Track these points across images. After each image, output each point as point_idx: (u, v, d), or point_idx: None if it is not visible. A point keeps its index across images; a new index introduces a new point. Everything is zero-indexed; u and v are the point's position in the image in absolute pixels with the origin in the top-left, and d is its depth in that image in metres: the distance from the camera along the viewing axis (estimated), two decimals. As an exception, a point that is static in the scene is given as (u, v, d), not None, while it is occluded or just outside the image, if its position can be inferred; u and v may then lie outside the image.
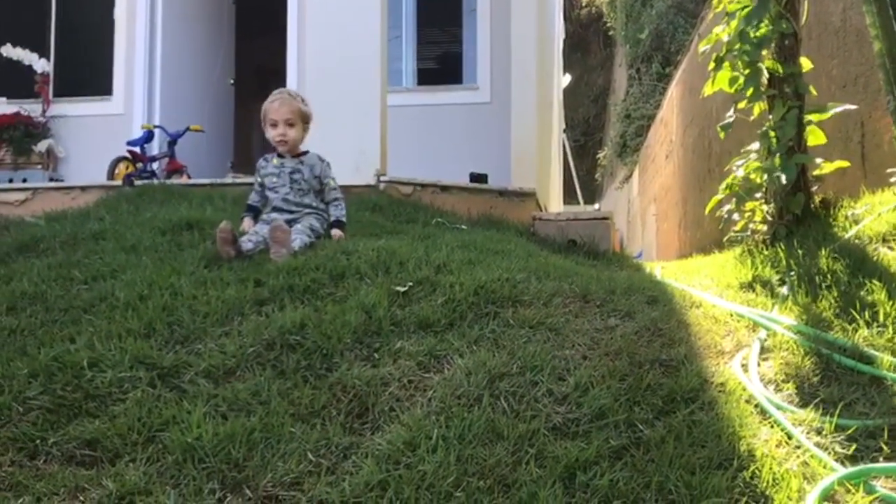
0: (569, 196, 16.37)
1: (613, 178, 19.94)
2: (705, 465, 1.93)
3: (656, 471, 1.93)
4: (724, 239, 5.33)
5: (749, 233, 4.98)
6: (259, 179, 4.21)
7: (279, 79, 8.18)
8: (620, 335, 2.75)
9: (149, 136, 7.89)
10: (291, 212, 4.05)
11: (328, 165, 4.21)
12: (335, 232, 4.04)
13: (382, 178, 6.08)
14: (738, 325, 2.95)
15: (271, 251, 3.57)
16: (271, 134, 4.08)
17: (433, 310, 2.95)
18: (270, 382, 2.52)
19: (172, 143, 7.77)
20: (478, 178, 6.77)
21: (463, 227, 5.32)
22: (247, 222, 4.11)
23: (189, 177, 8.41)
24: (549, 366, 2.48)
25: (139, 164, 7.76)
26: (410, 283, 3.18)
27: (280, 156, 4.15)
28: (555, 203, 10.45)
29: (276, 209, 4.08)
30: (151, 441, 2.28)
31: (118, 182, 7.43)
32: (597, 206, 20.67)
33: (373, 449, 2.19)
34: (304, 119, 4.11)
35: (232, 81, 10.08)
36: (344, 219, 4.15)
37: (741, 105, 4.94)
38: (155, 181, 8.08)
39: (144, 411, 2.38)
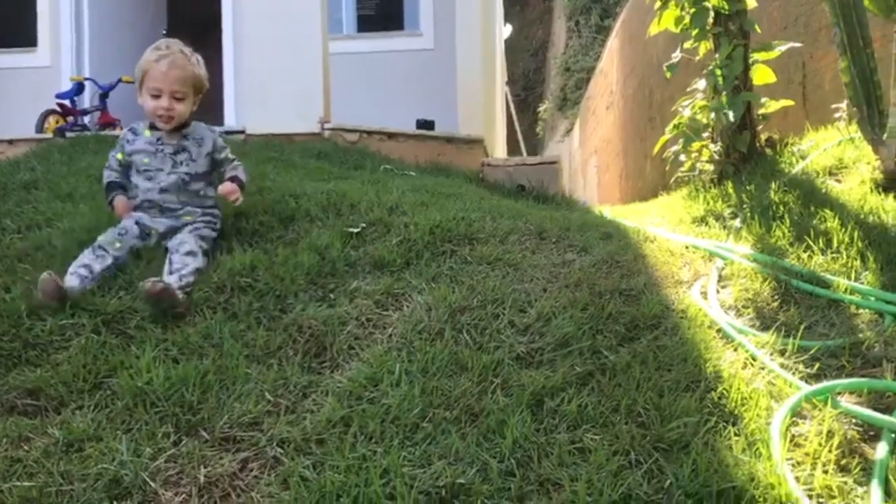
0: (512, 150, 16.34)
1: (554, 132, 19.98)
2: (673, 388, 1.91)
3: (624, 395, 1.90)
4: (672, 180, 5.35)
5: (696, 172, 5.02)
6: (120, 156, 3.02)
7: (215, 28, 7.91)
8: (579, 268, 2.72)
9: (79, 89, 7.56)
10: (171, 210, 2.93)
11: (220, 136, 3.14)
12: (227, 186, 2.97)
13: (327, 126, 5.93)
14: (694, 257, 2.94)
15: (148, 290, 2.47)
16: (151, 105, 2.91)
17: (388, 250, 2.87)
18: (222, 325, 2.42)
19: (104, 95, 7.45)
20: (424, 124, 6.66)
21: (412, 173, 5.24)
22: (122, 204, 2.96)
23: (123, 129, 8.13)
24: (510, 298, 2.44)
25: (70, 118, 7.45)
26: (363, 225, 3.09)
27: (153, 126, 3.01)
28: (500, 153, 10.40)
29: (147, 205, 2.93)
30: (98, 388, 2.17)
31: (49, 135, 7.14)
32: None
33: (333, 387, 2.12)
34: (199, 89, 2.99)
35: (164, 31, 9.72)
36: (244, 178, 3.08)
37: (687, 45, 4.93)
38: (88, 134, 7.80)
39: (90, 358, 2.27)
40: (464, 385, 2.01)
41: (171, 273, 2.64)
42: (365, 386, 2.06)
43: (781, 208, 3.29)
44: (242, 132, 5.89)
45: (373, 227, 3.10)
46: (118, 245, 2.79)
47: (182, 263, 2.69)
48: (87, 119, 7.74)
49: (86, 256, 2.72)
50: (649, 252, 2.96)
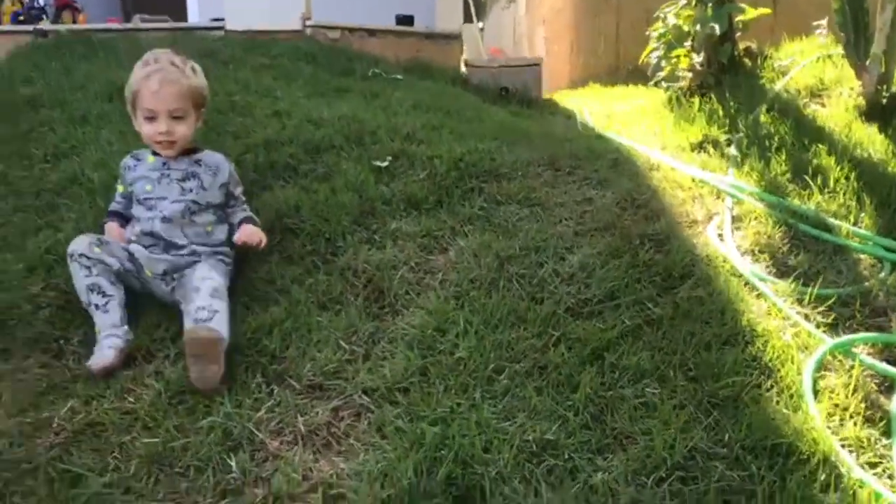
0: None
1: (500, -1, 19.58)
2: (716, 342, 2.17)
3: (673, 349, 2.16)
4: (651, 83, 5.50)
5: (677, 81, 5.19)
6: (121, 188, 2.65)
7: None
8: (602, 207, 2.92)
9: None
10: (176, 247, 2.48)
11: (235, 168, 2.72)
12: (247, 228, 2.56)
13: (308, 23, 5.86)
14: (703, 192, 3.17)
15: (192, 374, 2.11)
16: (147, 131, 2.51)
17: (418, 186, 3.02)
18: (282, 270, 2.58)
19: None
20: (404, 20, 6.61)
21: (398, 76, 5.29)
22: (114, 229, 2.60)
23: (80, 12, 7.83)
24: (549, 245, 2.64)
25: (25, 0, 7.15)
26: (389, 158, 3.22)
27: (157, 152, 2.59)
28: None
29: (147, 240, 2.49)
30: (180, 336, 2.33)
31: (6, 25, 6.87)
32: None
33: (400, 334, 2.32)
34: (199, 102, 2.57)
35: None
36: (257, 220, 2.66)
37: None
38: (46, 20, 7.50)
39: (167, 313, 2.41)
40: (526, 338, 2.24)
41: (196, 321, 2.20)
42: (434, 336, 2.27)
43: (776, 139, 3.52)
44: (222, 28, 5.79)
45: (397, 161, 3.23)
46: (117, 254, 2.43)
47: (209, 308, 2.23)
48: (42, 1, 7.43)
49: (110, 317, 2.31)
50: (662, 187, 3.17)
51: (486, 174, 3.13)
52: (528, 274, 2.51)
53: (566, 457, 1.85)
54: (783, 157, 3.33)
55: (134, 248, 2.48)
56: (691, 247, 2.65)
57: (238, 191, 2.66)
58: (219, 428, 1.99)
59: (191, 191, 2.54)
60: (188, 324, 2.23)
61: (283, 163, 3.16)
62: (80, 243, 2.39)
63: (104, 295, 2.34)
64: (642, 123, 4.60)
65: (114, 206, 2.67)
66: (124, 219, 2.63)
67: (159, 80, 2.47)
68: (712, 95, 4.63)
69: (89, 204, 2.88)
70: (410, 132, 3.50)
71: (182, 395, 2.12)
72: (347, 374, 2.19)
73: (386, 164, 3.17)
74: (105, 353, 2.22)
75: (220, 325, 2.21)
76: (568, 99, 6.85)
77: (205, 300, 2.26)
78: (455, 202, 2.96)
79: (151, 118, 2.50)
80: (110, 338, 2.26)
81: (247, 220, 2.62)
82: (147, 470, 1.88)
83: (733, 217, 2.91)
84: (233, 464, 1.90)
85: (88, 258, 2.36)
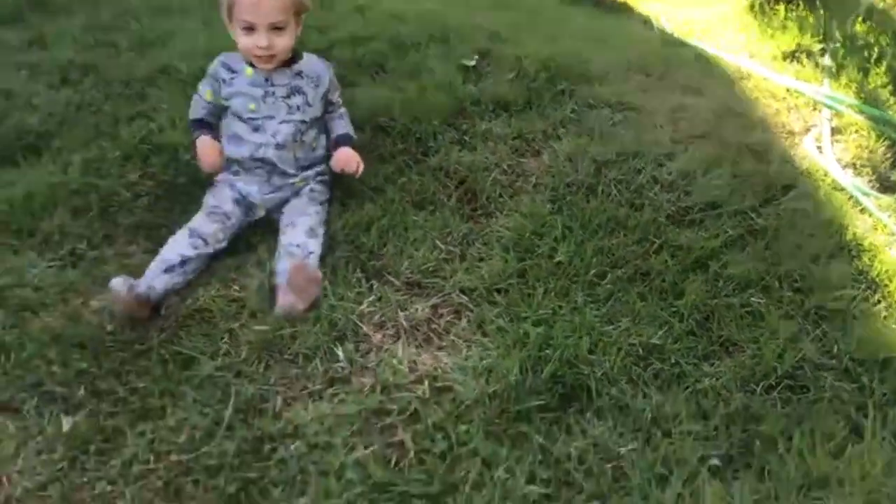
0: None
1: None
2: (821, 255, 2.15)
3: (778, 260, 2.13)
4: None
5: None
6: (209, 96, 2.39)
7: None
8: (698, 115, 2.85)
9: None
10: (285, 176, 2.38)
11: (334, 71, 2.52)
12: (343, 153, 2.40)
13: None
14: (798, 102, 3.08)
15: (281, 301, 2.07)
16: (244, 42, 2.29)
17: (508, 87, 2.97)
18: (375, 167, 2.57)
19: None
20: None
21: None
22: (210, 150, 2.33)
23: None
24: (646, 152, 2.60)
25: None
26: (476, 57, 3.15)
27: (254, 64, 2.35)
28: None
29: (254, 165, 2.36)
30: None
31: None
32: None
33: (494, 236, 2.32)
34: (300, 10, 2.32)
35: None
36: (353, 135, 2.51)
37: None
38: None
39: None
40: (627, 244, 2.22)
41: (283, 259, 2.16)
42: (531, 240, 2.27)
43: (875, 50, 3.39)
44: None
45: (484, 60, 3.16)
46: (220, 237, 2.24)
47: (303, 247, 2.19)
48: None
49: (181, 246, 2.18)
50: (755, 97, 3.08)
51: (577, 77, 3.06)
52: (626, 180, 2.48)
53: (672, 361, 1.87)
54: (882, 68, 3.20)
55: (239, 186, 2.35)
56: (789, 158, 2.59)
57: (336, 95, 2.49)
58: (324, 319, 2.03)
59: (297, 108, 2.37)
60: (284, 259, 2.16)
61: (370, 59, 3.12)
62: (205, 225, 2.23)
63: (183, 263, 2.14)
64: (725, 31, 4.43)
65: (200, 113, 2.41)
66: (213, 129, 2.39)
67: None
68: (799, 3, 4.44)
69: (180, 94, 2.87)
70: (495, 31, 3.43)
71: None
72: (445, 273, 2.21)
73: (473, 63, 3.11)
74: (126, 283, 2.01)
75: (315, 265, 2.16)
76: (641, 3, 6.63)
77: (300, 237, 2.22)
78: (546, 104, 2.90)
79: (249, 29, 2.26)
80: (154, 273, 2.09)
81: (343, 138, 2.45)
82: (258, 356, 1.94)
83: (831, 129, 2.83)
84: (340, 353, 1.95)
85: (204, 240, 2.19)
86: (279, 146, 2.34)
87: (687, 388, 1.79)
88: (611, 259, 2.18)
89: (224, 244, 2.25)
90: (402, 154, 2.65)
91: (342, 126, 2.49)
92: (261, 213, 2.38)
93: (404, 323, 2.06)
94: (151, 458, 1.72)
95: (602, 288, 2.09)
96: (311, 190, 2.40)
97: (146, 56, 3.16)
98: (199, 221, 2.25)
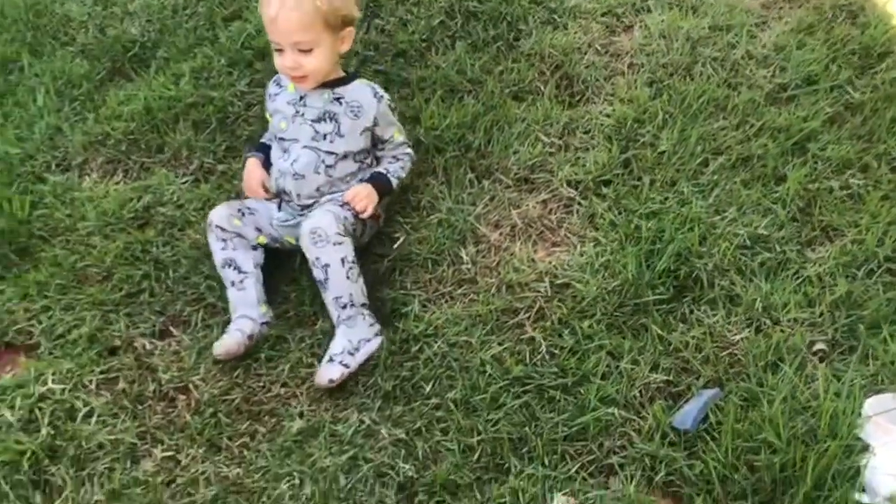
0: None
1: None
2: (922, 128, 2.21)
3: (877, 136, 2.20)
4: None
5: None
6: (268, 115, 2.27)
7: None
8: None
9: None
10: (302, 209, 2.15)
11: (388, 103, 2.18)
12: (359, 187, 2.10)
13: None
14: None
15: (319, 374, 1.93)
16: (277, 62, 2.09)
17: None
18: (469, 57, 2.63)
19: None
20: None
21: None
22: (253, 175, 2.18)
23: None
24: (738, 23, 2.60)
25: None
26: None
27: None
28: None
29: (284, 195, 2.18)
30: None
31: None
32: None
33: (595, 123, 2.41)
34: (337, 24, 2.04)
35: None
36: (395, 181, 2.17)
37: None
38: None
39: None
40: (727, 128, 2.30)
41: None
42: (633, 127, 2.35)
43: None
44: None
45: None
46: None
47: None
48: None
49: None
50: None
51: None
52: (721, 57, 2.51)
53: (777, 249, 2.01)
54: None
55: (276, 215, 2.17)
56: (888, 18, 2.57)
57: (389, 133, 2.18)
58: (445, 222, 2.20)
59: (325, 137, 2.11)
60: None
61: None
62: (220, 214, 2.11)
63: (240, 271, 2.09)
64: None
65: (264, 137, 2.31)
66: (269, 149, 2.24)
67: (277, 5, 1.99)
68: None
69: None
70: None
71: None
72: (551, 167, 2.33)
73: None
74: (232, 335, 2.00)
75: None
76: None
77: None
78: (632, -27, 2.87)
79: (278, 50, 2.06)
80: (242, 319, 2.04)
81: (375, 176, 2.15)
82: (392, 265, 2.13)
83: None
84: (464, 255, 2.13)
85: (224, 230, 2.10)
86: (296, 175, 2.11)
87: (793, 275, 1.94)
88: (713, 145, 2.26)
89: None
90: (494, 41, 2.69)
91: (386, 165, 2.19)
92: (288, 241, 2.18)
93: (518, 221, 2.21)
94: (315, 361, 1.97)
95: (706, 177, 2.19)
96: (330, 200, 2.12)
97: None
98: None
